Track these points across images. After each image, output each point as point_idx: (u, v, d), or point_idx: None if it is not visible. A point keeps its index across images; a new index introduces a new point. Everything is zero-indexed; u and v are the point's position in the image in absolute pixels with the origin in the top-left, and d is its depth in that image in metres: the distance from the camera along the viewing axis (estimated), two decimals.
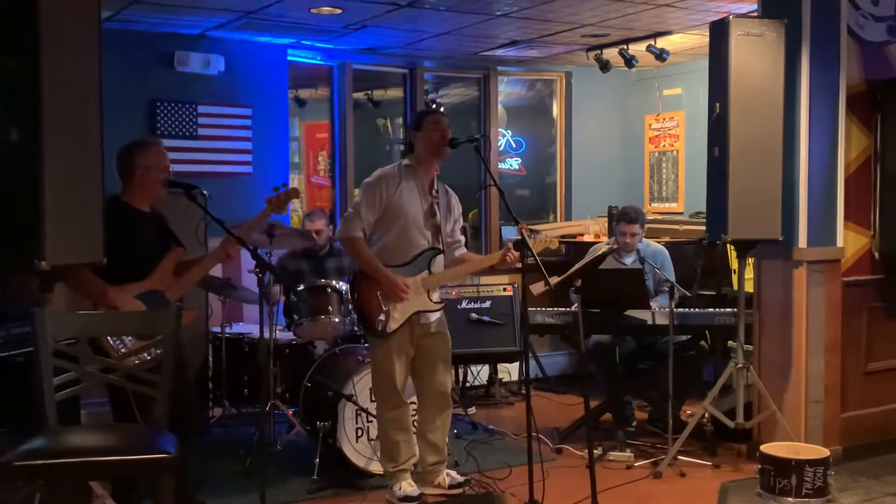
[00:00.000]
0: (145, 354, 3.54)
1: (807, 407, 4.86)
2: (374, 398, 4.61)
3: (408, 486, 4.34)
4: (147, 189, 3.91)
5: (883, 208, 5.07)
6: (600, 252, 4.35)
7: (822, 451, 4.40)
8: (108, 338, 3.60)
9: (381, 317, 4.25)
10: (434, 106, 7.46)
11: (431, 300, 4.35)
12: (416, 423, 4.57)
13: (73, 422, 4.17)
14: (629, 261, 5.53)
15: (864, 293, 5.08)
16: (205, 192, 4.09)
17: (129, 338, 3.64)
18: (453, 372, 6.28)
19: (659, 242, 5.98)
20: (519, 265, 4.09)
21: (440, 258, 4.40)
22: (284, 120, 6.69)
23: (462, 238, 4.59)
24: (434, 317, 4.42)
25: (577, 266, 4.32)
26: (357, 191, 7.08)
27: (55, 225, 3.12)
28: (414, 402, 4.57)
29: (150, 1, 5.26)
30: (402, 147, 7.60)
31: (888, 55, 5.12)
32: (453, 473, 4.53)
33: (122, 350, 3.61)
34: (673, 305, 5.03)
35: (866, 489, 4.53)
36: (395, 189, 4.30)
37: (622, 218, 5.60)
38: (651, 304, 5.28)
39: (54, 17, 3.13)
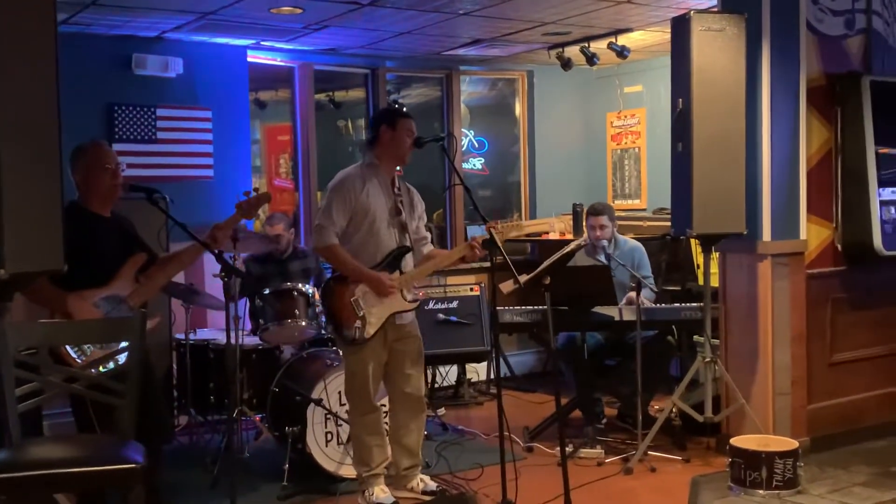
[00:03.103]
0: (108, 362, 3.45)
1: (774, 399, 4.90)
2: (344, 402, 4.57)
3: (381, 493, 4.29)
4: (96, 190, 3.82)
5: (844, 200, 5.13)
6: (569, 249, 4.32)
7: (790, 443, 4.44)
8: (67, 347, 3.52)
9: (358, 323, 4.19)
10: (397, 107, 7.42)
11: (406, 300, 4.31)
12: (388, 426, 4.53)
13: (35, 434, 4.07)
14: (604, 258, 5.53)
15: (828, 285, 5.14)
16: (166, 196, 4.02)
17: (90, 346, 3.56)
18: None
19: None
20: (485, 256, 4.09)
21: (409, 256, 4.37)
22: (245, 122, 6.61)
23: (428, 235, 4.57)
24: (409, 317, 4.39)
25: (545, 263, 4.30)
26: (320, 194, 7.04)
27: (13, 232, 3.04)
28: (384, 405, 4.53)
29: (107, 3, 5.16)
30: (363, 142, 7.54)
31: (846, 48, 5.18)
32: (427, 479, 4.49)
33: (82, 359, 3.53)
34: (640, 300, 5.05)
35: (835, 479, 4.58)
36: (361, 189, 4.26)
37: (590, 212, 5.65)
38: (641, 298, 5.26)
39: (9, 22, 3.05)
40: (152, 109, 6.12)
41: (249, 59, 6.63)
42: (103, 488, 3.41)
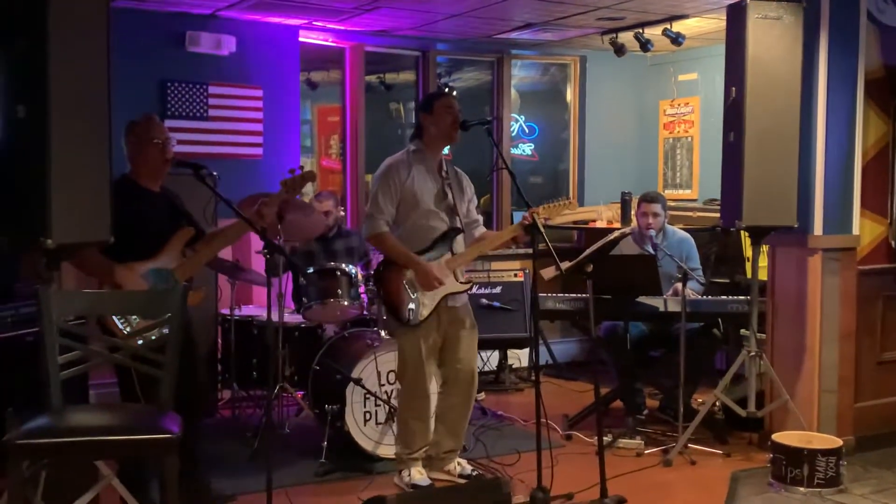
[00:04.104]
0: (151, 334, 3.51)
1: (820, 396, 4.81)
2: (383, 383, 4.60)
3: (418, 475, 4.32)
4: (145, 164, 3.87)
5: None
6: (612, 237, 4.27)
7: (834, 441, 4.36)
8: (114, 317, 3.58)
9: (412, 305, 4.21)
10: (446, 90, 7.40)
11: (458, 281, 4.32)
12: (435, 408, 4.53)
13: (81, 402, 4.16)
14: (651, 247, 5.45)
15: (880, 282, 5.02)
16: (214, 172, 4.06)
17: (136, 318, 3.62)
18: None
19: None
20: (528, 242, 4.07)
21: (460, 238, 4.37)
22: (296, 102, 6.64)
23: (479, 217, 4.57)
24: (462, 299, 4.39)
25: (588, 250, 4.26)
26: (369, 177, 7.06)
27: (62, 203, 3.10)
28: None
29: None
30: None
31: None
32: (464, 463, 4.50)
33: (128, 330, 3.59)
34: (685, 292, 4.98)
35: (879, 479, 4.49)
36: (406, 176, 4.28)
37: (643, 198, 5.57)
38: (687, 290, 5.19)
39: None
40: (205, 87, 6.18)
41: (301, 40, 6.65)
42: (137, 456, 3.47)
